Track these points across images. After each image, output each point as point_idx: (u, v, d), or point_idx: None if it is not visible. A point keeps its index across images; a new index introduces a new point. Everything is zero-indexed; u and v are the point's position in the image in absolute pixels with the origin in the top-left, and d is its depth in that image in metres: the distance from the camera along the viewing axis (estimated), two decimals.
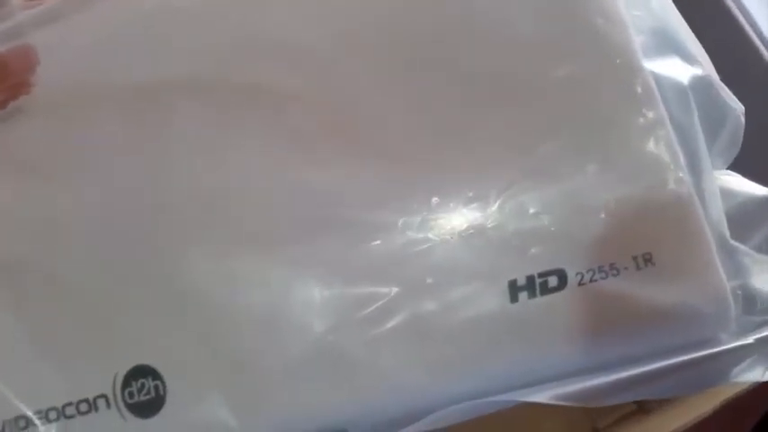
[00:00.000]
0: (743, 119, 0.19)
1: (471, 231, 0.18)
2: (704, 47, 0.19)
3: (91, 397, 0.20)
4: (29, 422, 0.20)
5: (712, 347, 0.18)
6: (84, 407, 0.20)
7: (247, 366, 0.19)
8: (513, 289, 0.18)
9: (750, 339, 0.18)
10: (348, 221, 0.19)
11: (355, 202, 0.19)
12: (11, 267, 0.22)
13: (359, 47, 0.20)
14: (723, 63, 0.19)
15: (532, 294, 0.17)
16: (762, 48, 0.27)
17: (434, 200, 0.19)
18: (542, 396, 0.16)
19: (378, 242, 0.18)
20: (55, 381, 0.20)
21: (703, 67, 0.18)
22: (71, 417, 0.20)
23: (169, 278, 0.20)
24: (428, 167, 0.19)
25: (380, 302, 0.18)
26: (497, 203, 0.18)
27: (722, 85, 0.19)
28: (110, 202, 0.22)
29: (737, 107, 0.19)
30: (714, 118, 0.19)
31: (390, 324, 0.18)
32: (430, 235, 0.18)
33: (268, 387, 0.19)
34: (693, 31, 0.19)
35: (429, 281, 0.18)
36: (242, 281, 0.19)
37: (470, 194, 0.18)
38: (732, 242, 0.18)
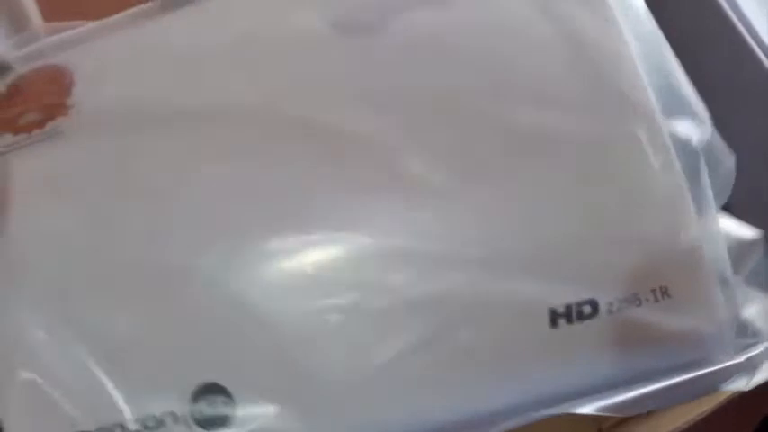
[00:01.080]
0: (734, 166, 0.23)
1: (514, 263, 0.21)
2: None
3: (158, 413, 0.21)
4: None
5: (713, 365, 0.21)
6: (151, 422, 0.21)
7: (314, 380, 0.21)
8: (554, 315, 0.21)
9: (742, 358, 0.22)
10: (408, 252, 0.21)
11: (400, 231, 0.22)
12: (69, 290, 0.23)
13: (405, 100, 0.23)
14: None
15: (569, 321, 0.21)
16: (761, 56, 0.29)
17: (479, 233, 0.21)
18: (587, 408, 0.19)
19: (432, 273, 0.21)
20: (123, 398, 0.22)
21: (707, 125, 0.22)
22: None
23: (237, 298, 0.22)
24: (476, 201, 0.21)
25: (435, 327, 0.21)
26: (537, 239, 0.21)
27: (718, 136, 0.23)
28: (155, 227, 0.23)
29: (731, 157, 0.23)
30: (714, 168, 0.22)
31: (448, 346, 0.21)
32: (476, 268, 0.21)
33: (334, 401, 0.21)
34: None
35: (477, 312, 0.21)
36: (309, 301, 0.21)
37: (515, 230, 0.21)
38: (731, 278, 0.21)
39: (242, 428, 0.21)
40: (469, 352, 0.21)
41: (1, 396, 0.22)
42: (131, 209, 0.23)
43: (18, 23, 0.32)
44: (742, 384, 0.22)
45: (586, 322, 0.20)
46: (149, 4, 0.28)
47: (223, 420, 0.21)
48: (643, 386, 0.20)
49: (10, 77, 0.27)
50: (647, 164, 0.20)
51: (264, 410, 0.21)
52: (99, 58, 0.27)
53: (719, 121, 0.22)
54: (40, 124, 0.25)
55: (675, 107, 0.21)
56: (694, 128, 0.21)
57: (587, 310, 0.21)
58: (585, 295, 0.21)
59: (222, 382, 0.21)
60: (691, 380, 0.21)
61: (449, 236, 0.21)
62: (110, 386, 0.22)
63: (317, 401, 0.21)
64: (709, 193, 0.21)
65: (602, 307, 0.21)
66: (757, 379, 0.21)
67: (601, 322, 0.20)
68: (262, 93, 0.24)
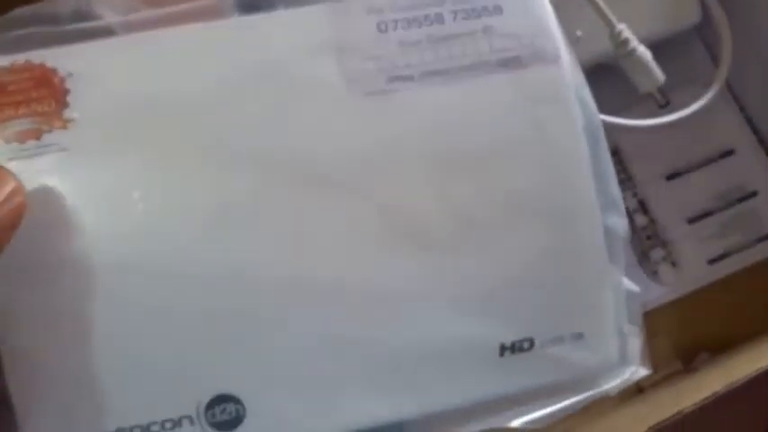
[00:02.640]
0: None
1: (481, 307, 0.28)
2: None
3: (176, 417, 0.25)
4: None
5: (601, 386, 0.30)
6: (168, 425, 0.25)
7: (321, 382, 0.27)
8: (502, 348, 0.28)
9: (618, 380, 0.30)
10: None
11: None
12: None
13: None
14: None
15: (513, 352, 0.28)
16: None
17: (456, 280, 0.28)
18: (516, 422, 0.27)
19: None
20: (141, 401, 0.25)
21: (624, 217, 0.29)
22: None
23: (249, 315, 0.26)
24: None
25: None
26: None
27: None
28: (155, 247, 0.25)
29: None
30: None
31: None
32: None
33: (340, 398, 0.27)
34: None
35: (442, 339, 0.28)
36: (314, 310, 0.26)
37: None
38: (624, 325, 0.29)
39: (254, 428, 0.26)
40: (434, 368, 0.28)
41: (22, 395, 0.25)
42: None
43: None
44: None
45: (524, 353, 0.28)
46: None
47: (235, 423, 0.26)
48: (555, 402, 0.29)
49: None
50: (583, 252, 0.28)
51: (276, 414, 0.26)
52: (95, 65, 0.26)
53: None
54: (35, 134, 0.25)
55: (608, 201, 0.29)
56: (618, 220, 0.29)
57: (526, 345, 0.28)
58: (526, 335, 0.28)
59: (234, 393, 0.26)
60: (587, 397, 0.29)
61: (434, 280, 0.28)
62: (130, 389, 0.25)
63: (325, 400, 0.27)
64: (622, 266, 0.29)
65: (537, 343, 0.28)
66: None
67: (534, 354, 0.28)
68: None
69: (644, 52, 0.38)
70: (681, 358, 0.41)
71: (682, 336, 0.41)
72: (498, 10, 0.28)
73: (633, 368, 0.30)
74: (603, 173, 0.28)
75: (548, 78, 0.28)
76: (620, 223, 0.29)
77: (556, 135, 0.28)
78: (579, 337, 0.28)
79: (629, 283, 0.30)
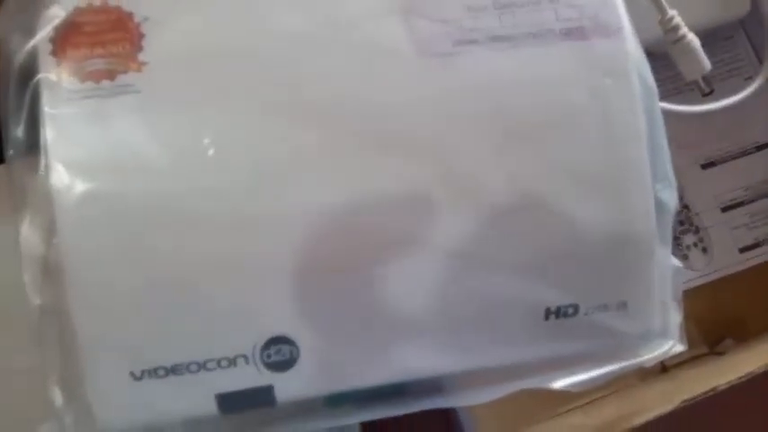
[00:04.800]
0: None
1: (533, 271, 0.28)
2: None
3: (232, 356, 0.26)
4: (168, 371, 0.25)
5: (641, 356, 0.30)
6: (224, 363, 0.26)
7: (374, 332, 0.28)
8: (548, 312, 0.29)
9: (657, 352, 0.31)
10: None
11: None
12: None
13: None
14: None
15: (557, 317, 0.29)
16: None
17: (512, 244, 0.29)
18: (559, 384, 0.28)
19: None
20: (200, 340, 0.26)
21: (675, 190, 0.30)
22: (211, 369, 0.26)
23: (310, 262, 0.27)
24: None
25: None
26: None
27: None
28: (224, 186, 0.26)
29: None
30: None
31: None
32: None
33: (391, 349, 0.28)
34: None
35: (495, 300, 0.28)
36: (372, 262, 0.27)
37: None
38: (667, 299, 0.30)
39: (305, 370, 0.27)
40: (482, 327, 0.29)
41: (87, 326, 0.25)
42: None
43: None
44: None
45: (569, 318, 0.29)
46: None
47: (289, 364, 0.27)
48: (596, 367, 0.29)
49: (64, 10, 0.26)
50: (634, 223, 0.28)
51: (326, 356, 0.27)
52: (170, 11, 0.27)
53: None
54: (109, 75, 0.26)
55: (660, 175, 0.29)
56: (670, 195, 0.29)
57: (571, 310, 0.29)
58: (571, 300, 0.29)
59: (290, 335, 0.27)
60: (626, 365, 0.30)
61: (487, 241, 0.28)
62: (189, 328, 0.26)
63: (375, 345, 0.27)
64: (669, 240, 0.30)
65: (582, 309, 0.29)
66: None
67: (578, 320, 0.29)
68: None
69: (693, 39, 0.38)
70: (706, 342, 0.42)
71: (708, 320, 0.42)
72: None
73: (671, 342, 0.31)
74: (658, 147, 0.29)
75: (610, 50, 0.28)
76: (671, 197, 0.29)
77: (615, 107, 0.28)
78: (623, 305, 0.29)
79: (673, 259, 0.31)
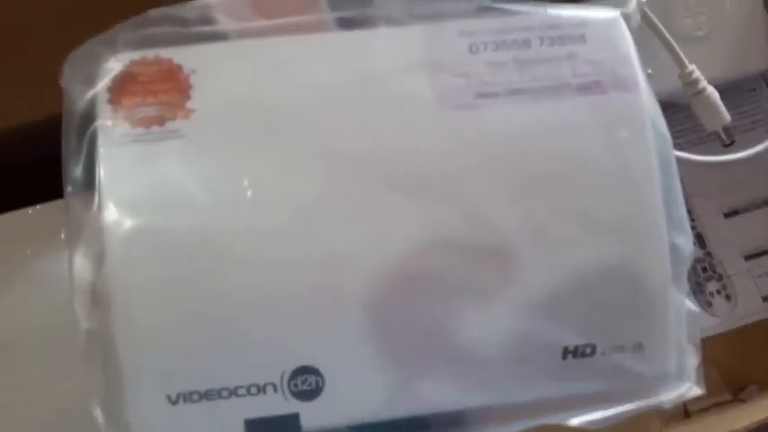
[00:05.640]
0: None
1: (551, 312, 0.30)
2: None
3: (262, 383, 0.28)
4: (201, 396, 0.27)
5: (657, 396, 0.31)
6: (254, 390, 0.28)
7: (397, 365, 0.29)
8: (565, 351, 0.30)
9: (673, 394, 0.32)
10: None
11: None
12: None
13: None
14: None
15: (575, 356, 0.30)
16: None
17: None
18: (576, 421, 0.29)
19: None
20: (232, 367, 0.27)
21: (690, 238, 0.31)
22: (242, 396, 0.27)
23: (338, 298, 0.29)
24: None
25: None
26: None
27: None
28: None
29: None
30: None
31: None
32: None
33: (414, 382, 0.29)
34: None
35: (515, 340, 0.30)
36: (397, 299, 0.28)
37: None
38: (683, 342, 0.31)
39: (331, 399, 0.28)
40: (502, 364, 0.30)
41: (129, 350, 0.27)
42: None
43: None
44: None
45: (586, 358, 0.30)
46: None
47: (315, 393, 0.28)
48: (614, 406, 0.30)
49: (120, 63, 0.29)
50: (649, 267, 0.30)
51: (353, 386, 0.28)
52: (216, 65, 0.29)
53: None
54: (159, 121, 0.28)
55: (676, 220, 0.30)
56: (685, 241, 0.30)
57: (588, 350, 0.30)
58: (589, 340, 0.30)
59: (317, 366, 0.28)
60: (642, 405, 0.31)
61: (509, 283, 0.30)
62: (222, 355, 0.27)
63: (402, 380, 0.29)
64: (685, 284, 0.31)
65: (599, 350, 0.30)
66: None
67: (595, 360, 0.30)
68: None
69: (712, 92, 0.40)
70: (730, 389, 0.42)
71: (732, 367, 0.42)
72: (582, 39, 0.31)
73: (688, 384, 0.31)
74: (673, 195, 0.30)
75: (626, 104, 0.30)
76: (686, 244, 0.30)
77: (630, 157, 0.30)
78: (639, 347, 0.30)
79: (689, 303, 0.31)
